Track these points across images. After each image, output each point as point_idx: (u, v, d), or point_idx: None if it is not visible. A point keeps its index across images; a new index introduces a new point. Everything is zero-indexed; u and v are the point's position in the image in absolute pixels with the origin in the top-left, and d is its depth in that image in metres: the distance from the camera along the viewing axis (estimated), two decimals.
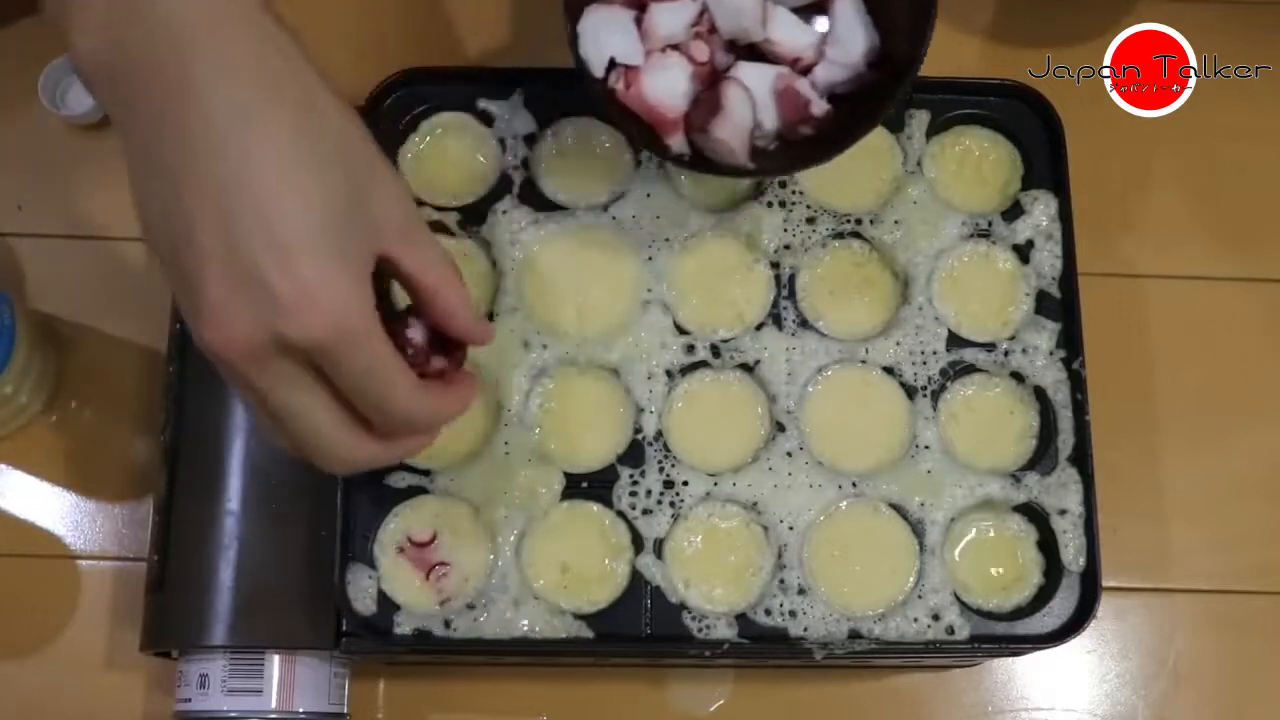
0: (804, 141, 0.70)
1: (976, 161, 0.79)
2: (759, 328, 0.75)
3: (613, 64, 0.70)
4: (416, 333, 0.59)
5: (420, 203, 0.76)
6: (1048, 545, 0.73)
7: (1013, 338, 0.75)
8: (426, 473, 0.72)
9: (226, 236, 0.51)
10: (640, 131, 0.70)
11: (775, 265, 0.76)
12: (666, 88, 0.70)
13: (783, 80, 0.70)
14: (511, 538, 0.71)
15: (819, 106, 0.70)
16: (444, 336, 0.59)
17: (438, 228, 0.76)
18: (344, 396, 0.55)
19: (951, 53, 0.92)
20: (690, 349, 0.74)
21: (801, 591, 0.71)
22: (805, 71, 0.71)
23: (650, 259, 0.76)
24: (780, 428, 0.73)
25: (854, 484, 0.72)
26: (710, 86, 0.70)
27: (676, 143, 0.70)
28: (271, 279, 0.51)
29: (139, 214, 0.54)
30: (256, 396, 0.54)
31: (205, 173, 0.51)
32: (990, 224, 0.77)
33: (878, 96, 0.69)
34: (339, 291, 0.52)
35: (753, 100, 0.69)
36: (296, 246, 0.51)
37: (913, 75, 0.68)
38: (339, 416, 0.55)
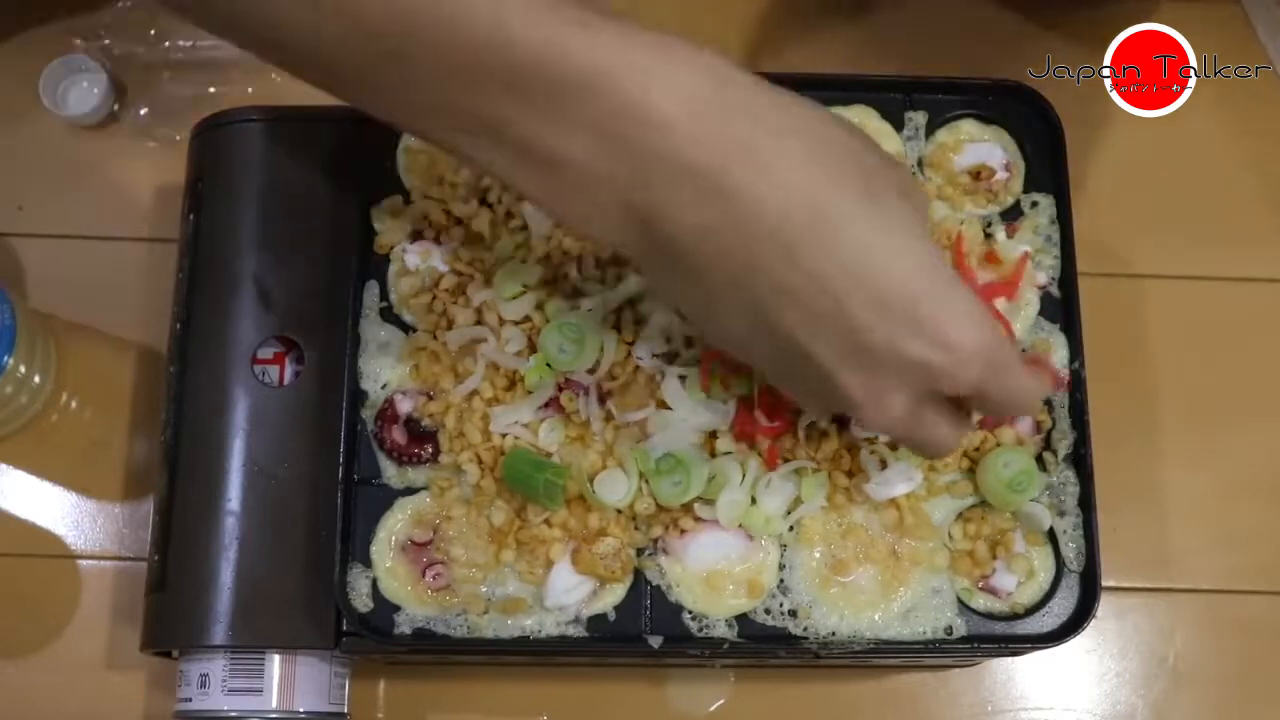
0: None
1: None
2: None
3: None
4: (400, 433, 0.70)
5: (410, 200, 0.76)
6: (1048, 545, 0.73)
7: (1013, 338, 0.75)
8: (425, 472, 0.72)
9: (853, 341, 0.50)
10: None
11: None
12: None
13: None
14: (512, 537, 0.71)
15: None
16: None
17: (438, 227, 0.76)
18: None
19: (952, 53, 0.92)
20: (690, 342, 0.74)
21: (801, 592, 0.71)
22: None
23: None
24: None
25: (852, 478, 0.72)
26: None
27: None
28: (922, 357, 0.51)
29: (714, 342, 0.54)
30: (895, 438, 0.56)
31: (801, 291, 0.50)
32: (990, 224, 0.77)
33: None
34: (981, 330, 0.52)
35: None
36: (929, 314, 0.50)
37: None
38: (955, 416, 0.56)
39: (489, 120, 0.49)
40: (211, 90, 0.89)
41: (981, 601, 0.72)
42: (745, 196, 0.48)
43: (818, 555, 0.71)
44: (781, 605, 0.71)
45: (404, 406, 0.73)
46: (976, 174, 0.78)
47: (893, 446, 0.71)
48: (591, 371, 0.71)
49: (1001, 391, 0.54)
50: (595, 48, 0.48)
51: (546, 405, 0.71)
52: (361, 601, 0.71)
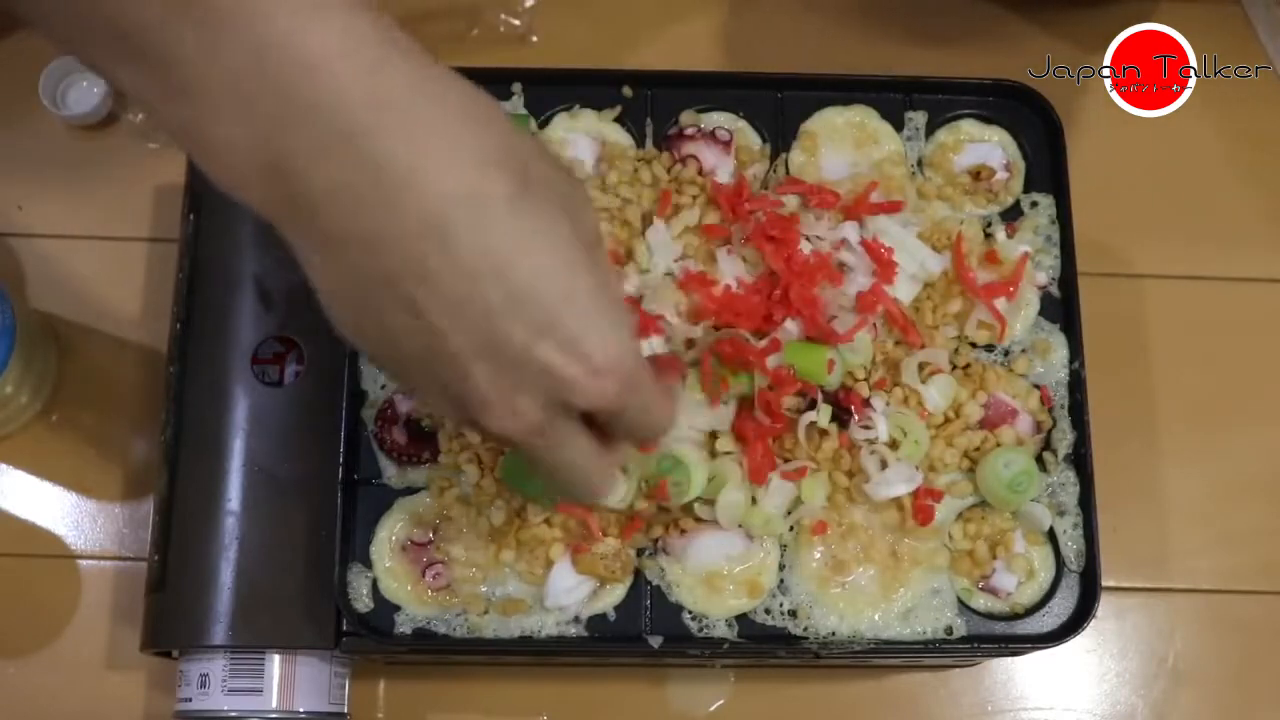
0: None
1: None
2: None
3: None
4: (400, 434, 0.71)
5: None
6: (1048, 545, 0.73)
7: (1013, 338, 0.75)
8: (425, 472, 0.72)
9: (488, 333, 0.48)
10: None
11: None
12: None
13: None
14: (512, 537, 0.71)
15: None
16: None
17: None
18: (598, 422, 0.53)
19: (952, 53, 0.92)
20: (690, 344, 0.74)
21: (801, 592, 0.71)
22: None
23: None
24: None
25: (852, 478, 0.72)
26: None
27: None
28: (554, 362, 0.48)
29: (343, 328, 0.50)
30: (532, 454, 0.53)
31: (440, 273, 0.46)
32: (990, 224, 0.77)
33: None
34: (618, 346, 0.50)
35: None
36: (566, 320, 0.48)
37: None
38: (594, 447, 0.54)
39: (126, 22, 0.44)
40: None
41: (981, 601, 0.72)
42: (395, 165, 0.45)
43: (818, 555, 0.71)
44: (781, 605, 0.71)
45: (404, 406, 0.73)
46: (976, 174, 0.78)
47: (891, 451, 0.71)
48: None
49: (635, 413, 0.52)
50: None
51: None
52: (361, 601, 0.71)
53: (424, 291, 0.47)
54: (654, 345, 0.72)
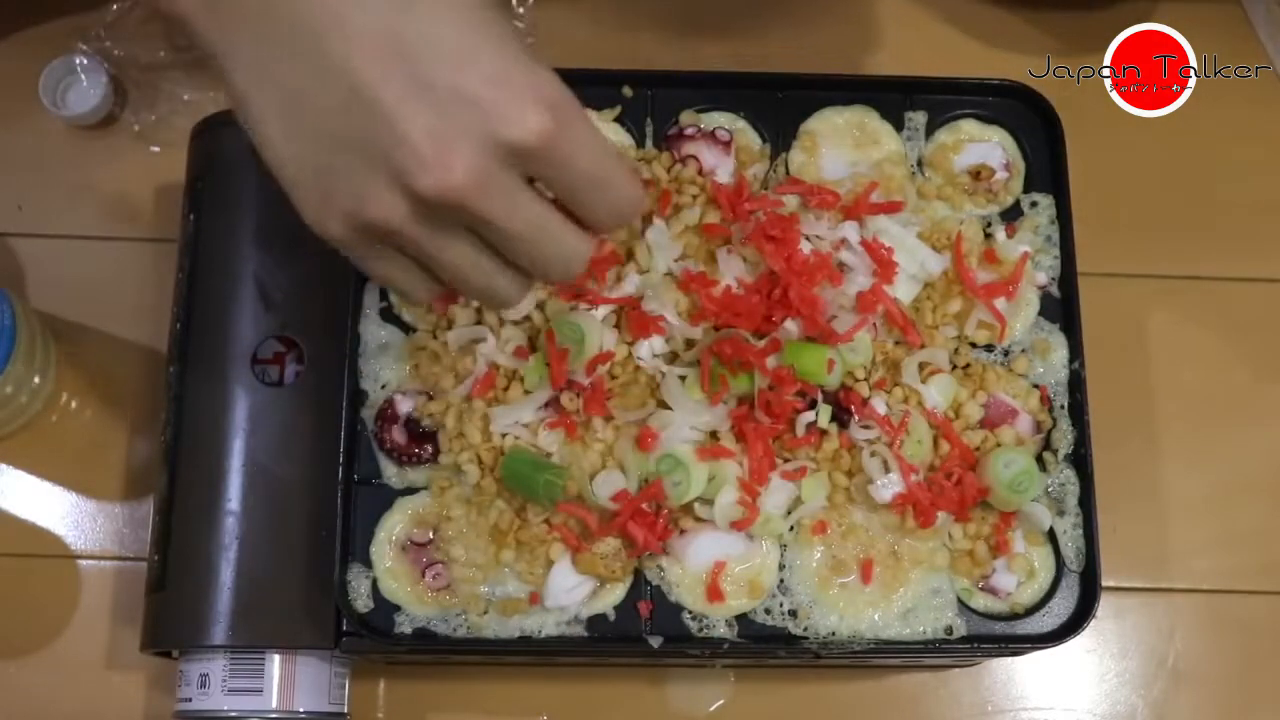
0: None
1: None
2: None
3: None
4: None
5: None
6: (1048, 545, 0.73)
7: (1013, 338, 0.75)
8: (425, 472, 0.72)
9: (410, 75, 0.49)
10: None
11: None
12: None
13: None
14: (512, 537, 0.71)
15: None
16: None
17: None
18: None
19: (952, 53, 0.92)
20: (690, 344, 0.74)
21: (801, 592, 0.71)
22: None
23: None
24: None
25: (852, 478, 0.72)
26: None
27: None
28: (478, 92, 0.50)
29: (262, 122, 0.52)
30: (491, 232, 0.53)
31: (355, 27, 0.49)
32: (990, 224, 0.77)
33: None
34: (543, 77, 0.51)
35: None
36: (485, 51, 0.50)
37: None
38: (554, 213, 0.54)
39: None
40: (212, 93, 0.89)
41: (981, 601, 0.72)
42: None
43: (818, 555, 0.71)
44: (781, 605, 0.71)
45: (404, 406, 0.73)
46: (976, 174, 0.78)
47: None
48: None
49: (577, 159, 0.52)
50: None
51: (546, 405, 0.71)
52: (361, 602, 0.71)
53: (348, 45, 0.49)
54: (654, 346, 0.72)
